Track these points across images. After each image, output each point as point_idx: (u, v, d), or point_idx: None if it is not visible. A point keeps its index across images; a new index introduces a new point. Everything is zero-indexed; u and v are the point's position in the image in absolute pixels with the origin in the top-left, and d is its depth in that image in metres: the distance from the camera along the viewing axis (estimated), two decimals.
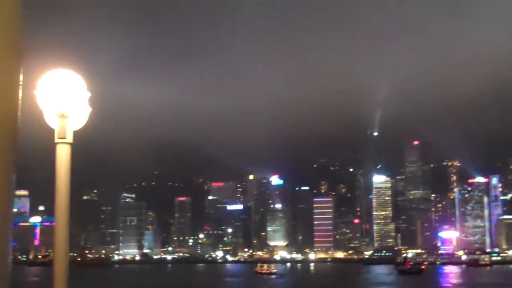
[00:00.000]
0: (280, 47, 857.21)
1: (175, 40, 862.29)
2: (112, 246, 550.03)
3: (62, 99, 8.78)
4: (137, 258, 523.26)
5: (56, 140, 8.83)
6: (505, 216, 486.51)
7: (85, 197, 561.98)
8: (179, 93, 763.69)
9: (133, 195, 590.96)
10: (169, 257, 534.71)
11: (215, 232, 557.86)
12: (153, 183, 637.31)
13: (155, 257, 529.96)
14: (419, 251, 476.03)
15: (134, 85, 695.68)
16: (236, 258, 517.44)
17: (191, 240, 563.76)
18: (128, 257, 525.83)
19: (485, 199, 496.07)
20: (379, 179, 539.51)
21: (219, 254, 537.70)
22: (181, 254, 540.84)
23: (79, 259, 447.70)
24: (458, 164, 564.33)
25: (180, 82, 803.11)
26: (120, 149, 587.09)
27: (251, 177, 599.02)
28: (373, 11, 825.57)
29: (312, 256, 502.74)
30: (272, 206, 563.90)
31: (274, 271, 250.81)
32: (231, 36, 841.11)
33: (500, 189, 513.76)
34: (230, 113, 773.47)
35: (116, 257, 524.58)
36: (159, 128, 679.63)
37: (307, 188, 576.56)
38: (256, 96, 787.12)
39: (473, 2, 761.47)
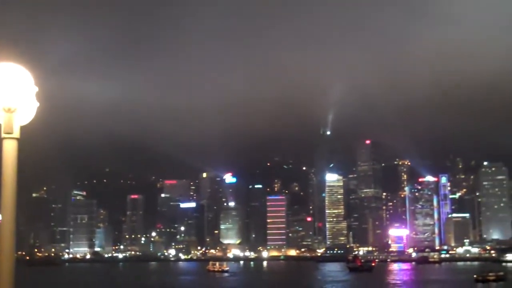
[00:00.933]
0: (235, 47, 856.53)
1: (131, 37, 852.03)
2: (62, 245, 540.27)
3: (8, 93, 8.41)
4: (88, 256, 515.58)
5: (3, 135, 8.53)
6: (454, 214, 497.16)
7: (34, 195, 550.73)
8: (133, 90, 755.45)
9: (84, 193, 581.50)
10: (120, 255, 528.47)
11: (168, 230, 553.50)
12: (105, 180, 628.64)
13: (106, 255, 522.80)
14: (370, 248, 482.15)
15: (87, 81, 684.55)
16: (189, 256, 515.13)
17: (143, 238, 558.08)
18: (78, 256, 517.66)
19: (435, 198, 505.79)
20: (331, 178, 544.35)
21: (172, 252, 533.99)
22: (133, 253, 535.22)
23: (27, 258, 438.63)
24: (409, 163, 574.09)
25: (133, 79, 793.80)
26: (71, 146, 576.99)
27: (204, 175, 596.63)
28: (328, 12, 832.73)
29: (265, 254, 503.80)
30: (225, 204, 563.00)
31: (226, 269, 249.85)
32: (187, 35, 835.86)
33: (449, 188, 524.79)
34: (184, 111, 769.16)
35: (66, 256, 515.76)
36: (111, 125, 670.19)
37: (260, 186, 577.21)
38: (211, 95, 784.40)
39: (427, 6, 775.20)
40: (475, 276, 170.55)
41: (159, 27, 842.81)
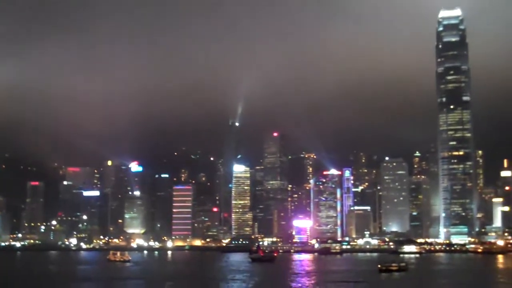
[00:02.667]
0: (143, 34, 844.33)
1: (36, 17, 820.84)
2: None
3: None
4: None
5: None
6: (356, 207, 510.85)
7: None
8: (36, 74, 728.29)
9: None
10: (18, 244, 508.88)
11: (70, 218, 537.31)
12: (4, 166, 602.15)
13: (3, 244, 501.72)
14: (274, 239, 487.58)
15: None
16: (91, 246, 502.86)
17: (43, 227, 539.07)
18: None
19: (338, 191, 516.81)
20: (239, 169, 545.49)
21: (73, 241, 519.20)
22: (32, 241, 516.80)
23: None
24: (314, 157, 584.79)
25: (37, 62, 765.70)
26: None
27: (109, 163, 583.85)
28: (240, 4, 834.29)
29: (169, 244, 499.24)
30: (130, 193, 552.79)
31: (128, 259, 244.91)
32: (97, 19, 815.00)
33: (352, 182, 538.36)
34: (89, 97, 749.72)
35: None
36: (11, 109, 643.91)
37: (167, 175, 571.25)
38: (118, 81, 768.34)
39: (340, 4, 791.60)
40: (379, 266, 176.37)
41: (68, 8, 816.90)
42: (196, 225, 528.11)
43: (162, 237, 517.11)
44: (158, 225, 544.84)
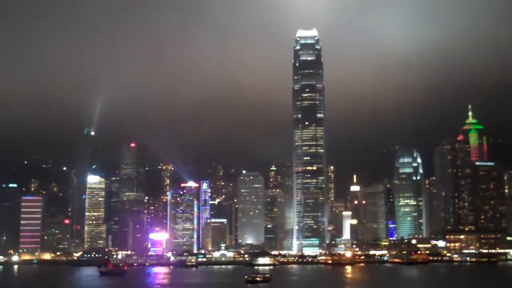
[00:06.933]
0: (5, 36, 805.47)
1: None
2: None
3: None
4: None
5: None
6: (212, 220, 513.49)
7: None
8: None
9: None
10: None
11: None
12: None
13: None
14: (129, 252, 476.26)
15: None
16: None
17: None
18: None
19: (195, 203, 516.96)
20: (93, 180, 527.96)
21: None
22: None
23: None
24: (172, 168, 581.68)
25: None
26: None
27: None
28: (100, 8, 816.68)
29: (16, 257, 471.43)
30: None
31: None
32: None
33: (209, 194, 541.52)
34: None
35: None
36: None
37: (14, 185, 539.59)
38: None
39: (206, 14, 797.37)
40: (246, 277, 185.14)
41: None
42: (46, 237, 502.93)
43: (8, 251, 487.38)
44: (4, 238, 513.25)
